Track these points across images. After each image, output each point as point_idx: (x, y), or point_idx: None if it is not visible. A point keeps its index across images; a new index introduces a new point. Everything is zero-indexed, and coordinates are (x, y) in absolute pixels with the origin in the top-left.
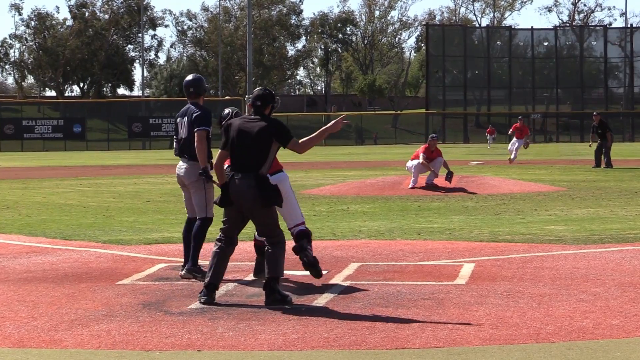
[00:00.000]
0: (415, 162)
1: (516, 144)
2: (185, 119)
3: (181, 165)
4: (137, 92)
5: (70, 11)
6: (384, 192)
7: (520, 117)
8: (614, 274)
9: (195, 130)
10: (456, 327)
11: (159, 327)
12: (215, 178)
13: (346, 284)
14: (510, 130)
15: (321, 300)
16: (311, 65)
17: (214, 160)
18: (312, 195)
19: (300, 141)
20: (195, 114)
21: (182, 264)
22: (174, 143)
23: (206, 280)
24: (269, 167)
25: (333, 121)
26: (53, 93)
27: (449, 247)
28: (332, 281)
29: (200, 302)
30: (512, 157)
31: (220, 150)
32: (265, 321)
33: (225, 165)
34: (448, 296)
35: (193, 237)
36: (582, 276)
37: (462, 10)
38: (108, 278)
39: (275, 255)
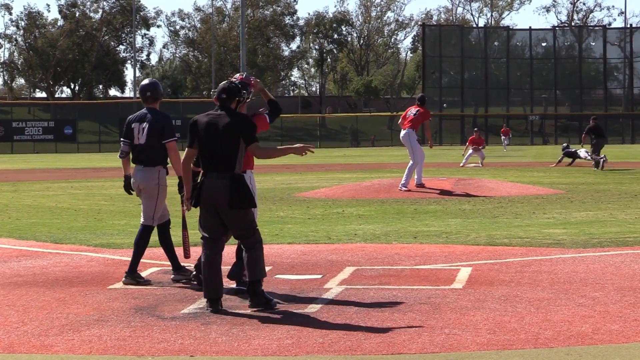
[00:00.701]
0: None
1: (472, 154)
2: (146, 125)
3: (136, 172)
4: (128, 93)
5: (61, 11)
6: (380, 195)
7: (475, 129)
8: (614, 278)
9: (166, 142)
10: (453, 332)
11: (151, 332)
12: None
13: (341, 288)
14: (467, 142)
15: (316, 304)
16: (306, 66)
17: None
18: (307, 198)
19: (262, 147)
20: (163, 126)
21: (171, 268)
22: (123, 146)
23: (206, 296)
24: (241, 165)
25: (300, 145)
26: (43, 94)
27: (446, 251)
28: (327, 285)
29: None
30: (463, 162)
31: (187, 149)
32: (259, 326)
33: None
34: (445, 301)
35: (136, 244)
36: (581, 280)
37: (459, 10)
38: (99, 282)
39: (255, 258)
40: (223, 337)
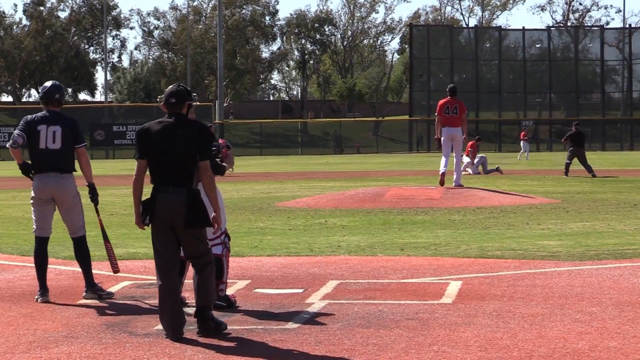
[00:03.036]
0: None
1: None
2: (58, 128)
3: (48, 180)
4: (99, 97)
5: (26, 10)
6: (365, 204)
7: (478, 137)
8: (611, 293)
9: (78, 147)
10: (442, 349)
11: (123, 350)
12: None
13: (324, 303)
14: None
15: (297, 320)
16: (286, 68)
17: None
18: (288, 207)
19: (211, 176)
20: (77, 129)
21: (40, 290)
22: (17, 137)
23: (167, 328)
24: (198, 180)
25: (220, 227)
26: (10, 98)
27: (435, 264)
28: (309, 300)
29: (168, 337)
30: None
31: (138, 161)
32: (237, 343)
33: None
34: (433, 316)
35: (83, 258)
36: (577, 295)
37: (448, 9)
38: (69, 297)
39: (206, 281)
40: (199, 355)
